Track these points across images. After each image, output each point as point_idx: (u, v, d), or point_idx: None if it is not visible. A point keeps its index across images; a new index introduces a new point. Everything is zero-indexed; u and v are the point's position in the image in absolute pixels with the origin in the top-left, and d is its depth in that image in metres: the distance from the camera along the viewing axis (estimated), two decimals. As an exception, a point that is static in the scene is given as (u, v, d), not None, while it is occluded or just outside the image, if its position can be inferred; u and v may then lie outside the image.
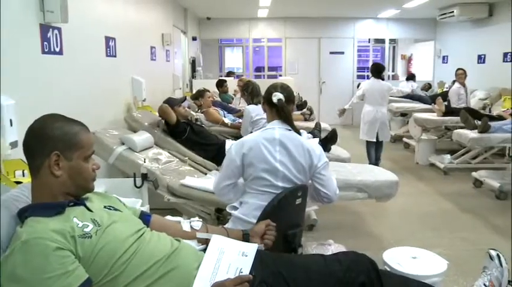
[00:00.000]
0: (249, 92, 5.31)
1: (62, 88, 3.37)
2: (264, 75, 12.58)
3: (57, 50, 3.26)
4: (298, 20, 11.62)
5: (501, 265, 2.12)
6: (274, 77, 12.29)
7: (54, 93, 3.26)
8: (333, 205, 4.45)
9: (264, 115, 5.00)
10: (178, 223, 2.02)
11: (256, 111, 4.99)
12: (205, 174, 4.13)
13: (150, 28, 6.41)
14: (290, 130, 2.53)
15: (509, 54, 8.36)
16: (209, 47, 12.66)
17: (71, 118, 1.71)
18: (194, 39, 10.45)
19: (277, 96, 2.53)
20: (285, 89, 2.61)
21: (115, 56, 4.59)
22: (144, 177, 3.35)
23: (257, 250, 1.79)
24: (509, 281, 2.13)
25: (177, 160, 4.28)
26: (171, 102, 4.72)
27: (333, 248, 3.29)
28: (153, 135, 4.34)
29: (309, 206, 3.37)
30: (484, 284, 2.10)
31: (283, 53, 12.00)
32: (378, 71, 6.63)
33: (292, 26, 11.75)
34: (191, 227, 2.01)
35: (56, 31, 3.20)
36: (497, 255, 2.15)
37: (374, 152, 6.73)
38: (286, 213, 2.38)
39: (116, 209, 1.77)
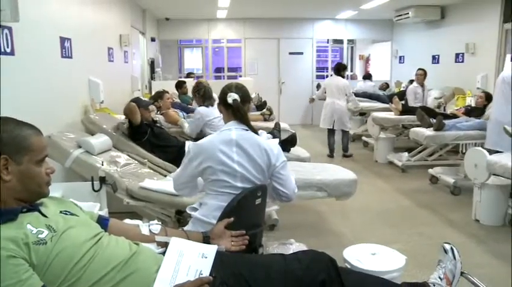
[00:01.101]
0: (201, 94, 5.31)
1: (14, 90, 3.27)
2: (223, 76, 12.56)
3: (8, 50, 3.15)
4: (258, 20, 11.65)
5: (454, 257, 2.18)
6: (234, 77, 12.28)
7: (6, 95, 3.15)
8: (293, 204, 4.51)
9: (216, 115, 5.15)
10: (137, 227, 1.99)
11: (208, 113, 5.07)
12: (165, 176, 4.09)
13: (108, 29, 6.30)
14: (247, 130, 2.51)
15: (461, 55, 8.64)
16: (168, 48, 12.54)
17: (22, 121, 1.66)
18: (153, 40, 10.33)
19: (232, 97, 2.49)
20: (240, 88, 2.58)
21: (71, 57, 4.49)
22: (102, 180, 3.30)
23: (217, 251, 1.78)
24: (462, 273, 2.19)
25: (136, 162, 4.23)
26: (139, 102, 4.67)
27: (294, 247, 3.31)
28: (111, 138, 4.26)
29: (269, 206, 3.39)
30: (439, 277, 2.15)
31: (242, 53, 12.01)
32: (337, 69, 7.79)
33: (251, 26, 11.78)
34: (150, 230, 1.98)
35: (6, 30, 3.09)
36: (451, 248, 2.21)
37: (333, 140, 7.87)
38: (246, 213, 2.37)
39: (72, 214, 1.73)
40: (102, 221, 1.88)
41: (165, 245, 1.85)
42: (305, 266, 1.87)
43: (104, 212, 3.01)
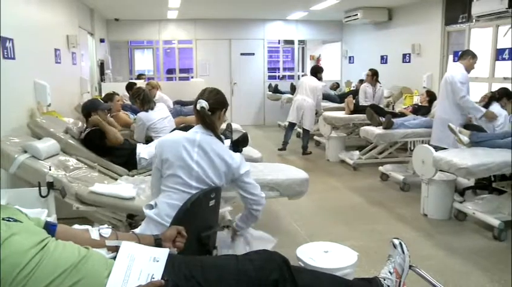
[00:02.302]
0: (141, 99, 5.27)
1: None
2: (175, 78, 12.43)
3: None
4: (209, 21, 11.60)
5: (403, 252, 2.25)
6: (186, 79, 12.19)
7: None
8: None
9: (157, 118, 5.19)
10: (87, 231, 1.94)
11: (149, 117, 5.09)
12: (116, 179, 4.01)
13: (54, 29, 6.12)
14: (211, 136, 2.57)
15: (408, 55, 8.90)
16: (118, 49, 12.29)
17: None
18: (102, 41, 10.10)
19: (200, 104, 2.55)
20: (213, 95, 2.63)
21: (14, 59, 4.32)
22: (50, 186, 3.20)
23: (169, 254, 1.76)
24: (410, 266, 2.26)
25: (86, 166, 4.12)
26: (97, 105, 4.61)
27: (247, 248, 3.31)
28: (59, 142, 4.14)
29: (222, 207, 3.38)
30: (389, 272, 2.21)
31: (194, 54, 11.92)
32: (314, 70, 8.25)
33: (202, 27, 11.71)
34: (100, 235, 1.94)
35: None
36: (400, 243, 2.28)
37: (290, 135, 8.15)
38: (200, 215, 2.36)
39: (16, 221, 1.67)
40: (49, 227, 1.82)
41: (115, 249, 1.81)
42: (258, 267, 1.88)
43: (53, 219, 2.93)
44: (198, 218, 2.33)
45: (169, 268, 1.72)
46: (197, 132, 2.55)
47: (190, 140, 2.51)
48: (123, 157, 4.46)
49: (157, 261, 1.71)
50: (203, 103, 2.54)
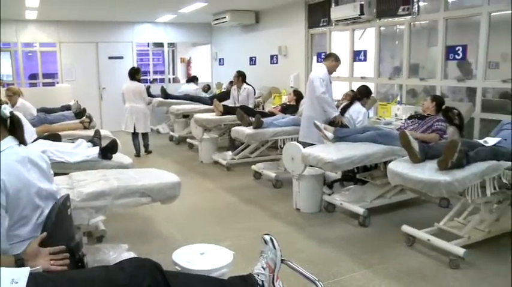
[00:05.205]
0: None
1: None
2: (39, 83, 11.60)
3: None
4: (73, 23, 11.01)
5: (274, 247, 2.32)
6: (52, 84, 11.45)
7: None
8: (120, 213, 4.39)
9: None
10: None
11: None
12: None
13: None
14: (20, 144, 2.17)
15: (275, 56, 9.25)
16: (-31, 53, 11.18)
17: None
18: None
19: (8, 109, 2.11)
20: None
21: None
22: None
23: (31, 273, 1.63)
24: (282, 260, 2.34)
25: None
26: None
27: (124, 255, 3.21)
28: None
29: (95, 217, 3.23)
30: (262, 267, 2.27)
31: (58, 58, 11.24)
32: (131, 73, 8.15)
33: (66, 29, 11.06)
34: None
35: None
36: (271, 239, 2.35)
37: (138, 141, 8.17)
38: (64, 227, 2.22)
39: None
40: None
41: (-32, 276, 1.63)
42: (129, 274, 1.83)
43: None
44: (64, 229, 2.19)
45: (32, 287, 1.60)
46: (13, 147, 2.08)
47: (20, 160, 2.05)
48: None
49: (17, 283, 1.58)
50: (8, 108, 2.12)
